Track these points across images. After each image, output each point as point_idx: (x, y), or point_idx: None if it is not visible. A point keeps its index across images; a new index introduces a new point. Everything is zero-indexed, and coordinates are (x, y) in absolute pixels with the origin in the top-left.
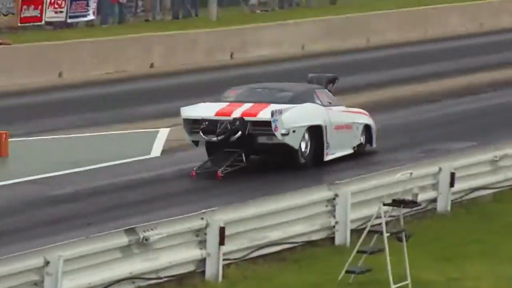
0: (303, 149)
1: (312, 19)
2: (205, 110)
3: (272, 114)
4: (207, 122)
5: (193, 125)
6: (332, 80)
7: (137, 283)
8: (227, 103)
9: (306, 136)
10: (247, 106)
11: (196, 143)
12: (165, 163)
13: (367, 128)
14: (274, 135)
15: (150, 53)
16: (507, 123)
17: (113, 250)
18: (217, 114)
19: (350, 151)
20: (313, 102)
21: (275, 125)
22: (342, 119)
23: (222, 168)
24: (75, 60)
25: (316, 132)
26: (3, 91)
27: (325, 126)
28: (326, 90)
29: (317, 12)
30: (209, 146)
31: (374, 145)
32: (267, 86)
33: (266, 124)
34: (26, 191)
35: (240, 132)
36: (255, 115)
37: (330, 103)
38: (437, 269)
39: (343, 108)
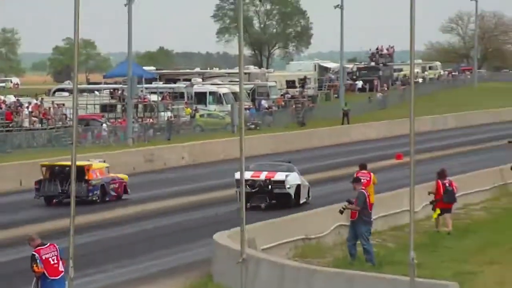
0: (292, 195)
1: None
2: (247, 174)
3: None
4: (249, 182)
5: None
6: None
7: None
8: (253, 171)
9: (294, 190)
10: (265, 173)
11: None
12: None
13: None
14: (284, 187)
15: None
16: None
17: None
18: (252, 176)
19: (305, 200)
20: (295, 172)
21: (285, 179)
22: (304, 181)
23: (263, 204)
24: None
25: (297, 188)
26: None
27: (300, 185)
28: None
29: None
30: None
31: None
32: (269, 163)
33: (281, 182)
34: None
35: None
36: (273, 177)
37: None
38: None
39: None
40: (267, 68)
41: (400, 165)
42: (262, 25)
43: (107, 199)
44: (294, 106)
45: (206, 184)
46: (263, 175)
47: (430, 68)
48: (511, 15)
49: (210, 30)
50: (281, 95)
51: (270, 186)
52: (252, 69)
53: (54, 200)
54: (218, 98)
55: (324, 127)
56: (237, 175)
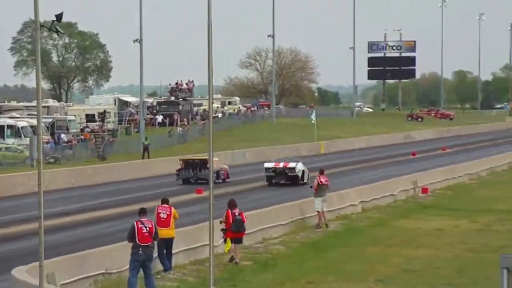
0: (300, 177)
1: None
2: (271, 164)
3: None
4: (272, 168)
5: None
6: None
7: None
8: (275, 162)
9: (301, 173)
10: (282, 163)
11: (268, 177)
12: None
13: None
14: (294, 171)
15: None
16: None
17: None
18: (275, 165)
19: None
20: (300, 163)
21: (295, 166)
22: (305, 169)
23: (282, 181)
24: None
25: (303, 172)
26: None
27: (304, 170)
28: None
29: None
30: (270, 176)
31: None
32: (284, 158)
33: (293, 168)
34: None
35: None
36: (287, 165)
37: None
38: None
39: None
40: (66, 102)
41: (200, 199)
42: (60, 58)
43: (220, 181)
44: (94, 140)
45: (5, 218)
46: (281, 164)
47: (229, 103)
48: (307, 52)
49: (7, 63)
50: (81, 129)
51: (286, 171)
52: (51, 102)
53: (191, 180)
54: (16, 132)
55: (124, 161)
56: (266, 164)
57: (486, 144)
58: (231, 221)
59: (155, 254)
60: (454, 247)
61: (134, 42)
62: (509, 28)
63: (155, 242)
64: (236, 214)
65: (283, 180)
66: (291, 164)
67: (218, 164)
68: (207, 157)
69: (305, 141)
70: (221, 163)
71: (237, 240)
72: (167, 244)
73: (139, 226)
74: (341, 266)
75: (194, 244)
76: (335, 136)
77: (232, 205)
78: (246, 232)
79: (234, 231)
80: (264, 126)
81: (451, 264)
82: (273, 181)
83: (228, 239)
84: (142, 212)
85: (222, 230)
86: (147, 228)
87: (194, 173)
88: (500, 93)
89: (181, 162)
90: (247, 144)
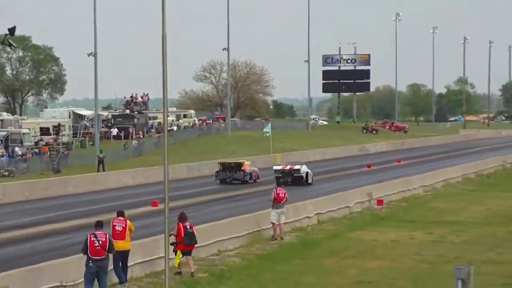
0: (304, 178)
1: None
2: (279, 167)
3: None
4: (280, 170)
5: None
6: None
7: None
8: (283, 165)
9: (305, 175)
10: (289, 166)
11: (276, 178)
12: None
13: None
14: (299, 172)
15: None
16: None
17: None
18: (283, 168)
19: (311, 181)
20: (305, 165)
21: (300, 168)
22: (309, 171)
23: (289, 181)
24: None
25: (307, 174)
26: None
27: (308, 172)
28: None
29: None
30: (278, 177)
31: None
32: (290, 162)
33: (299, 170)
34: None
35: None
36: (293, 167)
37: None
38: None
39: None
40: (20, 115)
41: (156, 211)
42: (14, 72)
43: (251, 181)
44: (48, 153)
45: None
46: (288, 167)
47: (184, 116)
48: (262, 65)
49: None
50: (35, 142)
51: (292, 172)
52: (5, 116)
53: (227, 180)
54: None
55: (79, 174)
56: (275, 167)
57: (440, 157)
58: (183, 234)
59: (111, 266)
60: (409, 258)
61: (88, 56)
62: (462, 42)
63: (110, 255)
64: (188, 227)
65: (290, 180)
66: (297, 167)
67: (250, 167)
68: (241, 161)
69: (261, 154)
70: (253, 166)
71: (189, 252)
72: (122, 256)
73: (92, 239)
74: (297, 278)
75: (150, 256)
76: (291, 149)
77: (182, 218)
78: (202, 244)
79: (187, 244)
80: (220, 139)
81: (407, 275)
82: (281, 180)
83: (179, 252)
84: (98, 225)
85: (172, 244)
86: (100, 242)
87: (230, 174)
88: (454, 106)
89: (219, 165)
90: (203, 157)
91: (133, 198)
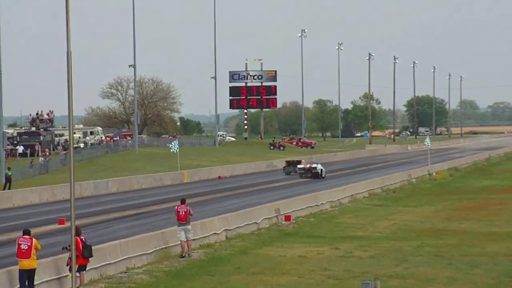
0: (320, 173)
1: None
2: (302, 165)
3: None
4: (303, 168)
5: (300, 169)
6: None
7: None
8: (304, 164)
9: (320, 171)
10: (309, 165)
11: (300, 174)
12: None
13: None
14: (316, 169)
15: None
16: None
17: None
18: (304, 166)
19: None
20: (320, 164)
21: (316, 166)
22: (323, 168)
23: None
24: None
25: (322, 170)
26: None
27: (322, 169)
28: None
29: None
30: (301, 173)
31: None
32: (308, 162)
33: (315, 167)
34: None
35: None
36: (312, 165)
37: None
38: None
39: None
40: None
41: (63, 229)
42: None
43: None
44: None
45: None
46: (308, 165)
47: (91, 133)
48: (169, 82)
49: None
50: None
51: (311, 169)
52: None
53: (291, 173)
54: None
55: None
56: (299, 166)
57: (347, 172)
58: (81, 247)
59: (17, 286)
60: (317, 274)
61: None
62: (367, 58)
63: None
64: (84, 240)
65: (309, 175)
66: (314, 165)
67: (303, 162)
68: (300, 159)
69: (169, 170)
70: (320, 165)
71: (83, 267)
72: (29, 275)
73: None
74: None
75: (57, 275)
76: (199, 165)
77: (77, 232)
78: (110, 261)
79: (86, 257)
80: (127, 156)
81: None
82: (303, 175)
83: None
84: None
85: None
86: None
87: (294, 168)
88: (360, 121)
89: (285, 162)
90: (110, 174)
91: (40, 216)
